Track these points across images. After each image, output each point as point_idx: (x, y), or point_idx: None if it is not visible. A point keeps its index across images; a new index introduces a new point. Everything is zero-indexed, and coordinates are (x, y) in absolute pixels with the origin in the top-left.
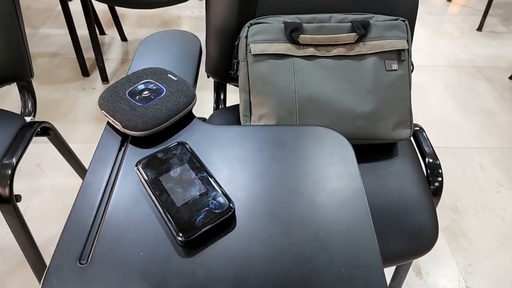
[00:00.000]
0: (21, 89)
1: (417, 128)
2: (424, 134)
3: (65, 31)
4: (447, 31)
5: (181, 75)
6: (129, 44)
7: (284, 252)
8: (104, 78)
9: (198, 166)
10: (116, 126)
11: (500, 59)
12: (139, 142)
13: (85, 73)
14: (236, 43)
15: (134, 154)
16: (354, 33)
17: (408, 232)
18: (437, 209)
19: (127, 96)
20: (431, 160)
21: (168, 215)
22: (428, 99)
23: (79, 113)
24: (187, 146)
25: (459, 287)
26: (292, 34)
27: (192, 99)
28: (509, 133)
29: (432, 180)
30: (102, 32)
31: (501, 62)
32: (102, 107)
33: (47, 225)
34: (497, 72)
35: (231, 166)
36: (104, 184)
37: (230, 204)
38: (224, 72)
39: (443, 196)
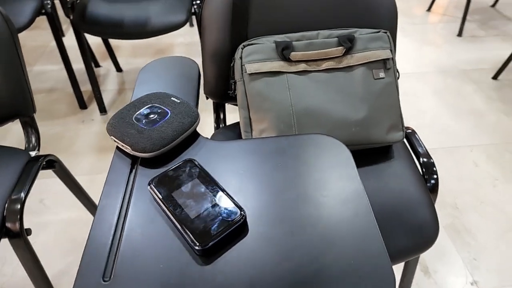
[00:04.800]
0: (24, 125)
1: (409, 131)
2: (416, 135)
3: (60, 66)
4: (430, 39)
5: (182, 97)
6: (125, 74)
7: (294, 251)
8: (102, 109)
9: (208, 180)
10: (126, 150)
11: (482, 61)
12: (148, 163)
13: (83, 105)
14: (231, 65)
15: (145, 174)
16: (341, 47)
17: (411, 228)
18: (438, 208)
19: (134, 120)
20: (425, 159)
21: (184, 227)
22: (419, 104)
23: (80, 145)
24: (196, 162)
25: (467, 282)
26: (284, 52)
27: (196, 118)
28: (498, 130)
29: (428, 178)
30: (97, 65)
31: (483, 64)
32: (111, 133)
33: (55, 259)
34: (481, 74)
35: (239, 178)
36: (119, 205)
37: (241, 212)
38: (222, 92)
39: (442, 195)
